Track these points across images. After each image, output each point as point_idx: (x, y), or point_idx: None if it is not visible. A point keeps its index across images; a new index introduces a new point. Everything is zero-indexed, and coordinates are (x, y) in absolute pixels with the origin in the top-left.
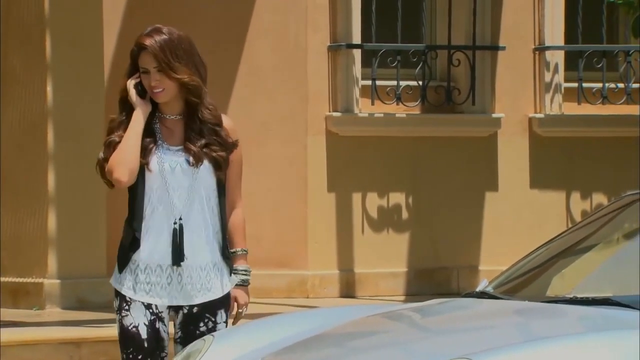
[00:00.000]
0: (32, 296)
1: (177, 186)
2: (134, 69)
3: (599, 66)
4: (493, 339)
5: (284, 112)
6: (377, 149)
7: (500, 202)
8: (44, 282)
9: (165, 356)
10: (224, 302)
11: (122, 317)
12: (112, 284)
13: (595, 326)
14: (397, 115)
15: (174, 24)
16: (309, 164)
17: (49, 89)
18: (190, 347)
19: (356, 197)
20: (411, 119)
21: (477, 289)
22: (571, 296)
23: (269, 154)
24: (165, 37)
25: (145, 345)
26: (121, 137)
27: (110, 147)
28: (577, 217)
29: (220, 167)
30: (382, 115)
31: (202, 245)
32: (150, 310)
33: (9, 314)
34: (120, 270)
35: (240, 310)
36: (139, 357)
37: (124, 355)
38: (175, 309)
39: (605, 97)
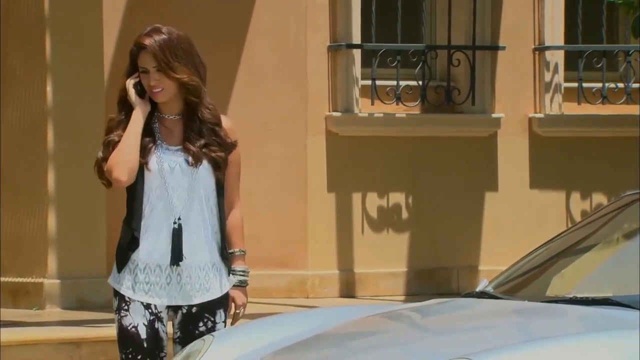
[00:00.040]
0: (32, 296)
1: (177, 186)
2: (133, 68)
3: (598, 66)
4: (493, 339)
5: (284, 112)
6: (377, 149)
7: (500, 202)
8: (44, 282)
9: (165, 356)
10: (223, 302)
11: (121, 317)
12: (111, 284)
13: (595, 326)
14: (397, 115)
15: (174, 24)
16: (309, 164)
17: (49, 89)
18: (189, 347)
19: (356, 197)
20: (411, 119)
21: (477, 289)
22: (571, 296)
23: (269, 154)
24: (165, 36)
25: (145, 345)
26: (120, 136)
27: (110, 146)
28: (577, 217)
29: (219, 167)
30: (382, 115)
31: (201, 245)
32: (150, 310)
33: (9, 314)
34: (119, 269)
35: (237, 311)
36: (138, 357)
37: (123, 356)
38: (174, 309)
39: (605, 97)
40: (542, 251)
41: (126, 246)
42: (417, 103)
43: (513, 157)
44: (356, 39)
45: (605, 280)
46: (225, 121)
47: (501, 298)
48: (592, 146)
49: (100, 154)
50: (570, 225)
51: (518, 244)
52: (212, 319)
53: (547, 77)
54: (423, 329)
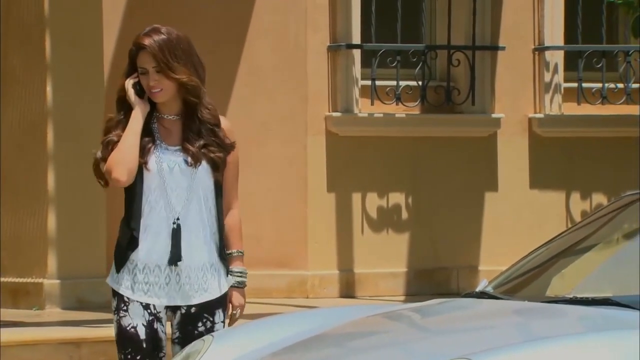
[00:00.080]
0: (32, 296)
1: (176, 186)
2: (132, 68)
3: (598, 66)
4: (493, 339)
5: (284, 112)
6: (377, 149)
7: (500, 202)
8: (44, 282)
9: (163, 356)
10: (222, 302)
11: (120, 317)
12: (109, 284)
13: (595, 326)
14: (396, 115)
15: (174, 24)
16: (309, 164)
17: (48, 89)
18: (189, 348)
19: (356, 197)
20: (411, 119)
21: (477, 289)
22: (571, 296)
23: (269, 154)
24: (164, 37)
25: (144, 345)
26: (119, 136)
27: (109, 146)
28: (577, 217)
29: (218, 168)
30: (381, 115)
31: (200, 246)
32: (149, 311)
33: (9, 314)
34: (118, 270)
35: (234, 312)
36: (137, 357)
37: (122, 356)
38: (172, 309)
39: (605, 97)
40: (542, 251)
41: (125, 246)
42: (417, 103)
43: (513, 157)
44: (356, 39)
45: (605, 280)
46: (223, 122)
47: (501, 298)
48: (592, 146)
49: (99, 154)
50: (570, 225)
51: (518, 244)
52: (211, 319)
53: (547, 77)
54: (423, 329)
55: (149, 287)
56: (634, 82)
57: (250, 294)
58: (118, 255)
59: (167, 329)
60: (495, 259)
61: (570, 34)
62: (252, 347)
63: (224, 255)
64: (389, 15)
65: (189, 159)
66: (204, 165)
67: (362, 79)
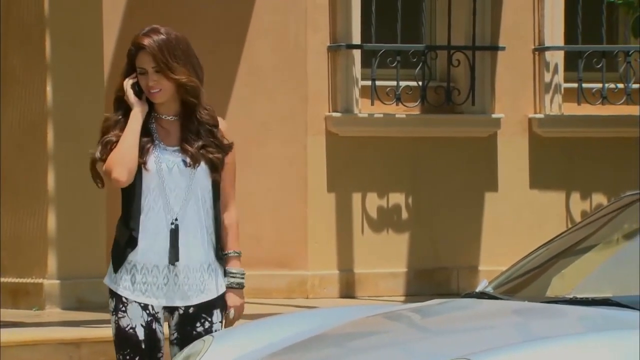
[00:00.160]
0: (31, 296)
1: (174, 186)
2: (130, 68)
3: (598, 66)
4: (493, 339)
5: (284, 112)
6: (377, 149)
7: (500, 202)
8: (44, 282)
9: (162, 356)
10: (220, 302)
11: (119, 318)
12: (107, 284)
13: (595, 326)
14: (396, 115)
15: (173, 24)
16: (309, 164)
17: (48, 89)
18: (189, 348)
19: (356, 197)
20: (411, 119)
21: (477, 289)
22: (571, 296)
23: (269, 154)
24: (164, 37)
25: (142, 346)
26: (118, 136)
27: (107, 146)
28: (577, 217)
29: (216, 168)
30: (381, 115)
31: (197, 246)
32: (147, 311)
33: (8, 314)
34: (116, 270)
35: (227, 312)
36: (136, 358)
37: (120, 357)
38: (170, 309)
39: (605, 97)
40: (542, 251)
41: (123, 246)
42: (417, 103)
43: (513, 157)
44: (356, 39)
45: (605, 280)
46: (220, 123)
47: (501, 298)
48: (592, 146)
49: (97, 154)
50: (570, 226)
51: (518, 244)
52: (210, 319)
53: (547, 77)
54: (423, 329)
55: (147, 288)
56: (634, 83)
57: (250, 294)
58: (116, 255)
59: (164, 329)
60: (495, 259)
61: (570, 34)
62: (252, 347)
63: (221, 256)
64: (389, 15)
65: (188, 160)
66: (203, 166)
67: (362, 79)
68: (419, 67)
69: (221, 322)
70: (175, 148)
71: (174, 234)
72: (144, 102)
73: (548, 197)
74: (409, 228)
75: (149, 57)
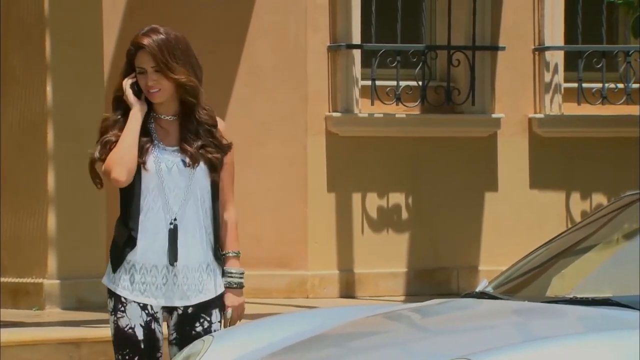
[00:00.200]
0: (31, 296)
1: (174, 186)
2: (130, 68)
3: (598, 66)
4: (493, 339)
5: (284, 112)
6: (377, 149)
7: (500, 202)
8: (44, 282)
9: (160, 356)
10: (219, 301)
11: (118, 318)
12: (106, 284)
13: (595, 326)
14: (396, 115)
15: (174, 24)
16: (309, 164)
17: (48, 89)
18: (189, 348)
19: (356, 197)
20: (411, 119)
21: (477, 289)
22: (571, 296)
23: (269, 154)
24: (163, 37)
25: (142, 346)
26: (117, 136)
27: (107, 146)
28: (577, 217)
29: (215, 168)
30: (381, 115)
31: (196, 246)
32: (146, 311)
33: (8, 314)
34: (114, 270)
35: (224, 312)
36: (135, 358)
37: (119, 357)
38: (169, 309)
39: (605, 97)
40: (542, 251)
41: (122, 246)
42: (417, 103)
43: (513, 157)
44: (356, 39)
45: (605, 280)
46: (219, 123)
47: (501, 298)
48: (592, 146)
49: (96, 154)
50: (570, 225)
51: (518, 244)
52: (209, 319)
53: (547, 77)
54: (423, 329)
55: (146, 287)
56: (634, 82)
57: (250, 294)
58: (115, 255)
59: (163, 329)
60: (495, 259)
61: (570, 34)
62: (252, 347)
63: (220, 256)
64: (389, 15)
65: (187, 160)
66: (202, 166)
67: (362, 79)
68: (419, 67)
69: (220, 321)
70: (175, 148)
71: (173, 234)
72: (143, 102)
73: (548, 197)
74: (409, 228)
75: (149, 56)
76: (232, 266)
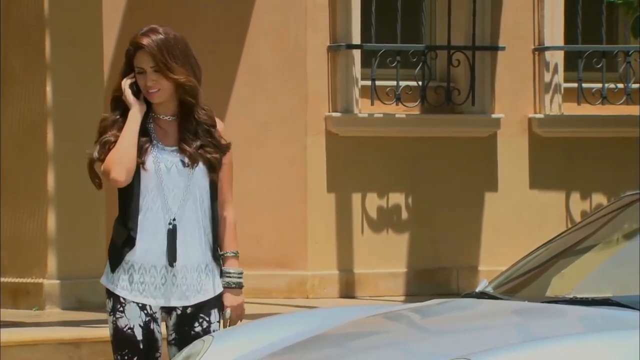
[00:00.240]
0: (31, 296)
1: (173, 186)
2: (129, 68)
3: (598, 66)
4: (493, 340)
5: (284, 112)
6: (377, 149)
7: (500, 202)
8: (44, 282)
9: (159, 356)
10: (218, 301)
11: (117, 318)
12: (104, 284)
13: (595, 326)
14: (396, 115)
15: (174, 24)
16: (309, 164)
17: (48, 89)
18: (189, 349)
19: (356, 197)
20: (411, 119)
21: (477, 289)
22: (571, 296)
23: (269, 154)
24: (162, 37)
25: (141, 346)
26: (116, 136)
27: (106, 146)
28: (577, 217)
29: (214, 169)
30: (381, 115)
31: (195, 246)
32: (145, 312)
33: (8, 314)
34: (113, 270)
35: (223, 312)
36: (134, 358)
37: (118, 357)
38: (167, 310)
39: (604, 97)
40: (542, 251)
41: (121, 246)
42: (417, 103)
43: (513, 157)
44: (356, 39)
45: (605, 280)
46: (217, 123)
47: (501, 298)
48: (592, 146)
49: (95, 154)
50: (570, 225)
51: (518, 244)
52: (207, 319)
53: (547, 77)
54: (423, 329)
55: (145, 288)
56: (634, 83)
57: (250, 294)
58: (113, 255)
59: (162, 330)
60: (495, 259)
61: (570, 34)
62: (252, 347)
63: (217, 256)
64: (389, 15)
65: (186, 160)
66: (201, 166)
67: (362, 79)
68: (419, 67)
69: (219, 321)
70: (174, 148)
71: (172, 234)
72: (142, 102)
73: (548, 197)
74: (408, 228)
75: (148, 56)
76: (230, 266)
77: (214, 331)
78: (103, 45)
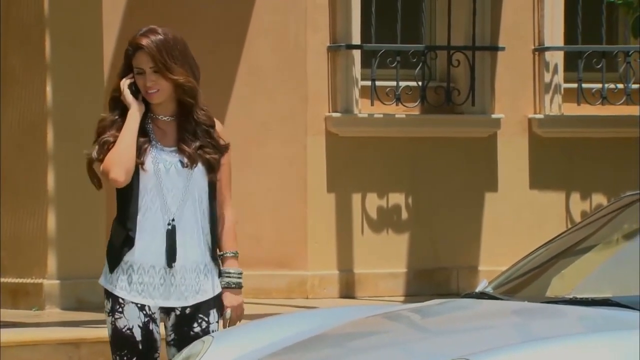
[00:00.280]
0: (31, 296)
1: (172, 187)
2: (127, 69)
3: (598, 67)
4: (492, 340)
5: (284, 112)
6: (377, 150)
7: (500, 202)
8: (44, 282)
9: (158, 357)
10: (216, 302)
11: (116, 319)
12: (103, 285)
13: (595, 326)
14: (396, 115)
15: (173, 24)
16: (309, 164)
17: (48, 89)
18: (189, 349)
19: (356, 197)
20: (411, 119)
21: (477, 290)
22: (571, 297)
23: (269, 154)
24: (161, 37)
25: (140, 347)
26: (114, 136)
27: (105, 146)
28: (577, 217)
29: (213, 169)
30: (381, 115)
31: (194, 247)
32: (144, 312)
33: (8, 314)
34: (111, 270)
35: (223, 312)
36: (133, 359)
37: (117, 357)
38: (166, 310)
39: (604, 97)
40: (542, 251)
41: (119, 246)
42: (416, 104)
43: (513, 157)
44: (356, 39)
45: (605, 280)
46: (216, 124)
47: (501, 299)
48: (592, 146)
49: (94, 154)
50: (570, 226)
51: (518, 244)
52: (207, 319)
53: (547, 77)
54: (423, 329)
55: (144, 288)
56: (634, 83)
57: (249, 294)
58: (112, 255)
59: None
60: (495, 259)
61: (570, 34)
62: (252, 347)
63: (216, 256)
64: (389, 15)
65: (185, 160)
66: (199, 167)
67: (362, 79)
68: (419, 67)
69: (218, 321)
70: (173, 148)
71: (171, 234)
72: (141, 102)
73: (548, 197)
74: (408, 228)
75: (147, 57)
76: (230, 266)
77: (213, 331)
78: (103, 45)
